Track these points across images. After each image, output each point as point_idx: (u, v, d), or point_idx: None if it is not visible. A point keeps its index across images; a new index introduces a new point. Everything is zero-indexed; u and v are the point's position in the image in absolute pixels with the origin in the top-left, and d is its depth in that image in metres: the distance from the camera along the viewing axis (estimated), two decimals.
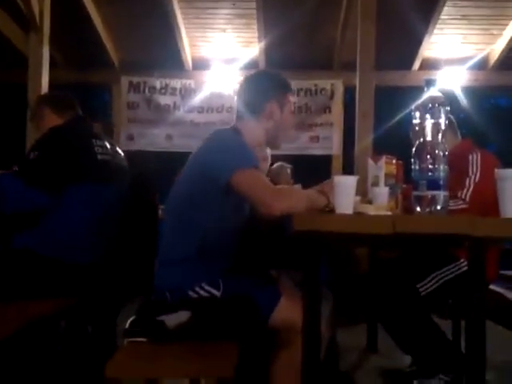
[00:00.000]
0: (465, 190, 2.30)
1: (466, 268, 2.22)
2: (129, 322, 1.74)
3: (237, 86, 1.95)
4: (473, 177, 2.33)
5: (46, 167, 2.12)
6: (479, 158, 2.38)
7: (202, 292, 1.71)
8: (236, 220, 1.81)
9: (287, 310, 1.67)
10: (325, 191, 1.71)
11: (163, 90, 5.97)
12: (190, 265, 1.73)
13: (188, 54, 5.87)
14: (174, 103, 5.97)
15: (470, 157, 2.39)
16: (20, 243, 2.13)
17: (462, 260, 2.28)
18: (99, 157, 2.25)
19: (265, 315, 1.67)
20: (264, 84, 1.88)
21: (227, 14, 5.41)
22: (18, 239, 2.14)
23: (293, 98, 1.93)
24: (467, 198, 2.28)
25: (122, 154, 2.48)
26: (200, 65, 5.94)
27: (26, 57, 4.60)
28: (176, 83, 5.97)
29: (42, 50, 4.47)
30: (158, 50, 5.70)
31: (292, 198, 1.68)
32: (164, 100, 5.96)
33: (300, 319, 1.52)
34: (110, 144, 2.38)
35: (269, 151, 3.34)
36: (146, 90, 5.96)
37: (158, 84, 5.96)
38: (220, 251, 1.76)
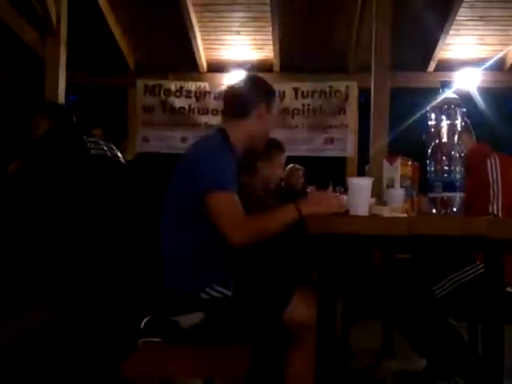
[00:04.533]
0: (494, 205, 2.24)
1: (482, 270, 2.19)
2: (143, 322, 1.75)
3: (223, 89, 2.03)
4: (495, 186, 2.28)
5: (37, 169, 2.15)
6: (498, 162, 2.33)
7: (213, 293, 1.71)
8: None
9: (300, 308, 1.67)
10: (297, 203, 1.68)
11: (178, 93, 6.01)
12: (198, 266, 1.74)
13: (203, 56, 5.89)
14: (189, 106, 6.00)
15: (489, 162, 2.33)
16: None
17: (478, 262, 2.25)
18: (93, 151, 2.26)
19: (277, 313, 1.67)
20: (254, 88, 1.94)
21: (241, 17, 5.43)
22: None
23: (275, 102, 2.03)
24: (500, 212, 2.23)
25: (117, 150, 2.47)
26: (215, 67, 5.97)
27: (43, 61, 4.65)
28: (191, 86, 6.00)
29: (59, 54, 4.51)
30: (173, 53, 5.74)
31: (251, 230, 1.69)
32: (179, 103, 6.00)
33: (314, 316, 1.52)
34: (105, 141, 2.39)
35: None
36: (162, 93, 6.00)
37: (173, 87, 6.00)
38: (226, 251, 1.76)
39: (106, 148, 2.34)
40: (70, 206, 2.15)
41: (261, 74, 2.02)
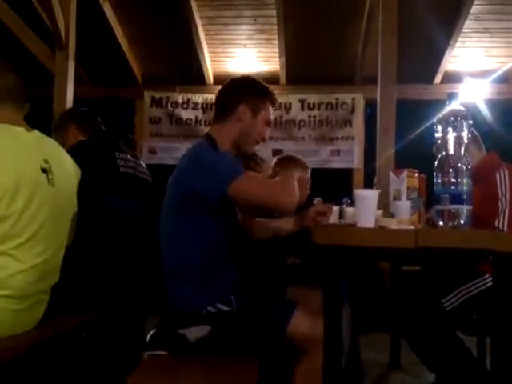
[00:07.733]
0: (501, 219, 2.22)
1: (491, 283, 2.17)
2: (149, 335, 1.75)
3: None
4: (504, 199, 2.25)
5: None
6: (507, 174, 2.31)
7: (214, 310, 1.70)
8: (234, 234, 1.82)
9: (304, 321, 1.66)
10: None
11: (185, 105, 6.04)
12: (198, 284, 1.72)
13: (209, 69, 5.93)
14: (196, 118, 6.02)
15: (498, 175, 2.30)
16: None
17: (487, 275, 2.23)
18: (121, 169, 2.28)
19: (281, 326, 1.66)
20: (237, 87, 1.90)
21: (248, 30, 5.46)
22: None
23: (271, 108, 1.89)
24: (505, 227, 2.21)
25: (145, 167, 2.51)
26: (221, 80, 5.97)
27: (52, 73, 4.69)
28: (198, 98, 6.03)
29: (67, 67, 4.55)
30: (180, 65, 5.78)
31: (290, 187, 1.71)
32: (186, 115, 6.03)
33: (319, 330, 1.50)
34: (133, 157, 2.41)
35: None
36: (169, 105, 6.03)
37: (180, 99, 6.03)
38: (225, 267, 1.75)
39: (134, 166, 2.36)
40: (89, 219, 2.16)
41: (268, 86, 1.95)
